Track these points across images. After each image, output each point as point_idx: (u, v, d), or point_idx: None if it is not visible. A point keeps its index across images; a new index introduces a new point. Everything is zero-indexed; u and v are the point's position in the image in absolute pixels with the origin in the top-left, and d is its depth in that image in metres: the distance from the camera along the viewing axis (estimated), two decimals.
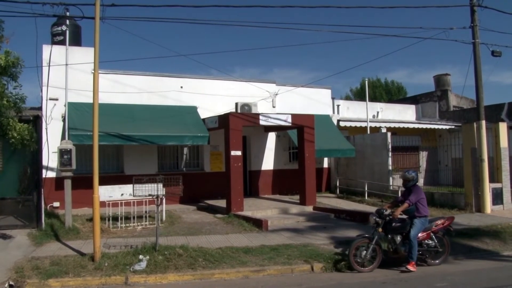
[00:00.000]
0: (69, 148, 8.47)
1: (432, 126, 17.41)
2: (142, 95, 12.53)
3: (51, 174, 11.27)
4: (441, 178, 15.38)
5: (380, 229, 6.44)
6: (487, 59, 41.76)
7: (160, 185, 7.11)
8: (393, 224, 6.54)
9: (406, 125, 16.82)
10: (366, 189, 13.57)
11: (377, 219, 6.52)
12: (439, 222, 6.81)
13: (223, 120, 11.25)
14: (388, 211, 6.60)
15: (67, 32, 11.32)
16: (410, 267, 6.34)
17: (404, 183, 6.78)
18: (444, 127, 17.51)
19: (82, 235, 8.20)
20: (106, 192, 8.90)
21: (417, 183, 6.75)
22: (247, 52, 59.85)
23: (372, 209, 11.46)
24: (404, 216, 6.68)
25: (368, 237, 6.47)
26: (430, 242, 6.73)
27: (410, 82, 53.83)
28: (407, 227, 6.54)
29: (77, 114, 11.11)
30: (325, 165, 15.94)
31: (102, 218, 8.43)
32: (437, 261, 6.77)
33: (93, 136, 6.58)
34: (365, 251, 6.36)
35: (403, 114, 18.91)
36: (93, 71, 6.77)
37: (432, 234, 6.73)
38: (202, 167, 13.48)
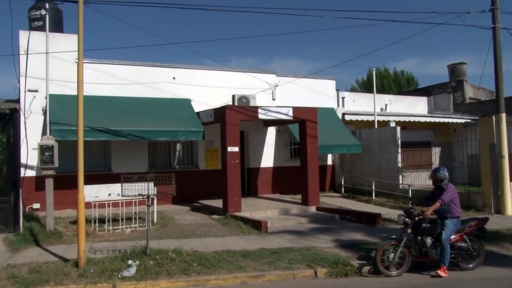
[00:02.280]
0: (51, 144, 8.39)
1: (446, 120, 17.38)
2: (131, 86, 12.47)
3: (31, 173, 11.20)
4: (456, 177, 15.32)
5: (409, 230, 6.39)
6: (509, 45, 41.59)
7: (151, 184, 7.08)
8: (423, 224, 6.48)
9: (417, 119, 16.79)
10: (373, 188, 13.58)
11: (405, 219, 6.47)
12: (472, 223, 6.74)
13: (219, 113, 11.22)
14: (418, 211, 6.54)
15: (47, 16, 11.15)
16: (441, 273, 6.28)
17: (435, 183, 6.70)
18: (459, 120, 17.48)
19: (65, 239, 8.14)
20: (92, 192, 8.85)
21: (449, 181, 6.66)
22: (244, 40, 59.67)
23: (380, 209, 11.59)
24: (434, 216, 6.62)
25: (396, 239, 6.43)
26: (463, 244, 6.67)
27: (421, 72, 53.71)
28: (438, 228, 6.48)
29: (59, 107, 11.03)
30: (329, 162, 15.96)
31: (88, 220, 8.40)
32: (470, 265, 6.68)
33: (78, 131, 6.53)
34: (392, 254, 6.32)
35: (414, 107, 18.89)
36: (77, 60, 6.70)
37: (465, 236, 6.67)
38: (197, 164, 13.47)
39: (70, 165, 11.18)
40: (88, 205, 7.89)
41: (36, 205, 11.07)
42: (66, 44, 11.46)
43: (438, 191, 6.63)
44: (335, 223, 10.16)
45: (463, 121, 17.47)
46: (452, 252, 6.49)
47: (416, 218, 6.47)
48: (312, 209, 11.57)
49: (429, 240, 6.49)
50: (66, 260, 6.64)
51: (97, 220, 8.97)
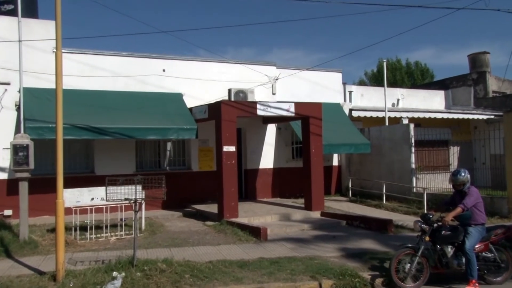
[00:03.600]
0: (26, 144, 8.33)
1: (466, 116, 17.38)
2: (116, 79, 12.44)
3: (2, 176, 11.18)
4: (477, 179, 15.26)
5: (427, 238, 6.33)
6: None
7: (139, 188, 7.07)
8: (443, 232, 6.41)
9: (433, 115, 16.80)
10: (384, 191, 13.61)
11: (423, 225, 6.41)
12: (499, 231, 6.63)
13: (214, 109, 11.22)
14: (436, 216, 6.49)
15: None
16: None
17: (455, 187, 6.62)
18: (480, 117, 17.46)
19: (41, 250, 8.07)
20: (72, 197, 8.80)
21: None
22: (242, 28, 59.66)
23: (392, 215, 11.60)
24: (455, 223, 6.56)
25: (412, 248, 6.36)
26: (489, 255, 6.56)
27: (438, 63, 53.64)
28: (460, 237, 6.40)
29: (35, 102, 10.98)
30: (335, 162, 15.99)
31: (68, 228, 8.33)
32: (498, 279, 6.57)
33: (56, 129, 6.48)
34: (409, 265, 6.25)
35: (429, 102, 18.91)
36: (55, 50, 6.66)
37: (490, 245, 6.57)
38: (189, 165, 13.48)
39: (48, 166, 11.14)
40: (68, 211, 7.81)
41: (8, 212, 11.00)
42: (42, 31, 11.39)
43: (459, 195, 6.56)
44: (341, 230, 10.17)
45: (485, 117, 17.46)
46: (476, 263, 6.38)
47: (435, 225, 6.40)
48: (316, 214, 11.59)
49: (450, 250, 6.40)
50: (42, 273, 6.56)
51: (78, 228, 8.91)
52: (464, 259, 6.30)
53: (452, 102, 19.45)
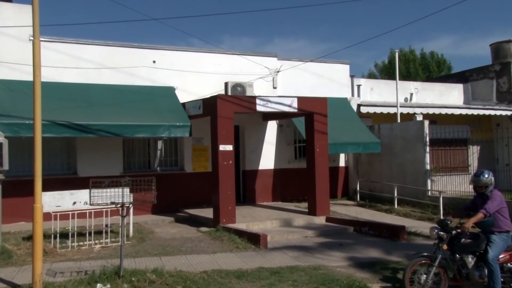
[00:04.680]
0: None
1: (487, 112, 17.36)
2: (101, 72, 12.41)
3: None
4: (500, 182, 15.08)
5: (444, 246, 6.28)
6: None
7: (127, 190, 7.05)
8: (462, 240, 6.34)
9: (450, 111, 16.79)
10: (395, 195, 13.61)
11: (440, 232, 6.36)
12: None
13: (209, 105, 11.22)
14: (455, 223, 6.45)
15: None
16: None
17: (476, 189, 6.57)
18: (504, 113, 17.45)
19: (16, 260, 8.01)
20: (52, 201, 8.78)
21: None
22: (240, 16, 59.60)
23: (404, 221, 11.62)
24: (477, 230, 6.50)
25: (428, 257, 6.30)
26: None
27: (456, 54, 53.39)
28: (481, 245, 6.33)
29: (10, 95, 10.96)
30: (342, 163, 16.00)
31: (46, 235, 8.29)
32: None
33: (34, 126, 6.45)
34: (425, 275, 6.19)
35: (446, 97, 18.90)
36: (32, 38, 6.59)
37: None
38: (182, 166, 13.49)
39: (24, 167, 11.12)
40: (47, 216, 7.79)
41: None
42: (17, 16, 11.32)
43: (480, 200, 6.51)
44: (348, 237, 10.18)
45: (509, 113, 17.43)
46: (500, 275, 6.29)
47: (453, 232, 6.34)
48: (321, 220, 11.61)
49: (470, 259, 6.35)
50: (16, 286, 6.53)
51: (58, 235, 8.86)
52: (486, 271, 6.23)
53: (471, 96, 19.40)
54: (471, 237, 6.37)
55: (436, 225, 6.52)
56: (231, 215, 10.70)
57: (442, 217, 7.28)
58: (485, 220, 6.24)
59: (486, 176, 6.39)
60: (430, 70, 35.84)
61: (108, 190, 6.99)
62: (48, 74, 10.65)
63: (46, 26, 10.75)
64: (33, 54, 6.45)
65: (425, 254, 6.37)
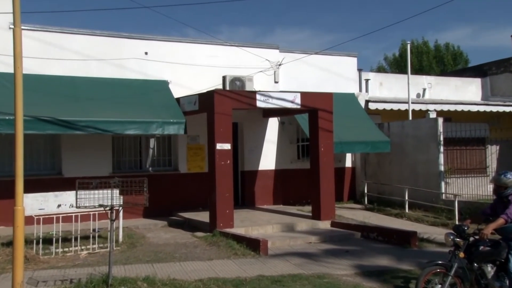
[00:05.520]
0: None
1: (508, 109, 17.35)
2: (89, 63, 12.40)
3: None
4: None
5: (461, 254, 6.24)
6: None
7: (116, 192, 7.07)
8: (481, 247, 6.33)
9: (466, 108, 16.79)
10: (406, 198, 13.61)
11: (456, 239, 6.34)
12: None
13: (206, 100, 11.23)
14: (473, 229, 6.42)
15: None
16: None
17: (496, 190, 6.53)
18: None
19: None
20: (35, 203, 8.75)
21: None
22: (239, 4, 59.57)
23: (416, 226, 11.62)
24: (497, 237, 6.47)
25: (443, 265, 6.28)
26: None
27: (473, 46, 53.45)
28: (502, 253, 6.29)
29: None
30: (348, 164, 16.02)
31: (28, 241, 8.27)
32: None
33: (15, 122, 6.43)
34: (439, 286, 6.17)
35: (462, 92, 18.89)
36: (12, 26, 6.57)
37: None
38: (176, 166, 13.50)
39: (4, 167, 11.14)
40: (29, 220, 7.78)
41: None
42: None
43: (501, 204, 6.47)
44: (355, 243, 10.20)
45: None
46: None
47: (471, 239, 6.32)
48: (326, 224, 11.63)
49: (490, 269, 6.33)
50: None
51: (41, 241, 8.83)
52: (508, 281, 6.22)
53: (490, 92, 19.36)
54: (490, 244, 6.35)
55: (452, 231, 6.49)
56: (229, 219, 10.71)
57: (457, 223, 7.26)
58: (506, 226, 6.20)
59: (509, 177, 6.36)
60: (445, 63, 35.85)
61: (96, 191, 7.00)
62: (30, 66, 10.61)
63: (28, 13, 10.71)
64: (14, 43, 6.42)
65: (440, 262, 6.35)
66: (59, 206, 8.95)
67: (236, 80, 12.57)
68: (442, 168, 13.84)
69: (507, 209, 6.24)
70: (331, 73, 15.39)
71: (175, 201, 12.98)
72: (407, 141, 14.77)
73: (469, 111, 16.82)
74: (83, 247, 9.07)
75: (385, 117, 16.31)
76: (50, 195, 8.97)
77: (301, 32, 57.24)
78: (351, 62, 16.02)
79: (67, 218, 9.04)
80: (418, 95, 17.75)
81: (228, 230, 10.39)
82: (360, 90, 16.27)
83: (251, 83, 12.79)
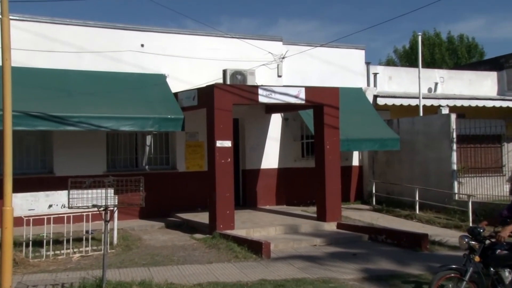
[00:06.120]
0: None
1: None
2: (82, 56, 12.41)
3: None
4: None
5: (476, 258, 6.22)
6: None
7: (111, 192, 7.06)
8: (498, 251, 6.28)
9: (481, 103, 16.79)
10: (416, 198, 13.60)
11: (471, 242, 6.30)
12: None
13: (205, 95, 11.24)
14: (489, 231, 6.38)
15: None
16: None
17: None
18: None
19: None
20: (24, 203, 8.74)
21: None
22: None
23: (427, 228, 11.63)
24: None
25: (457, 270, 6.24)
26: None
27: (489, 38, 53.20)
28: None
29: None
30: (355, 162, 16.04)
31: (17, 243, 8.28)
32: None
33: (4, 118, 6.44)
34: None
35: (477, 87, 18.85)
36: (0, 16, 6.57)
37: None
38: (174, 164, 13.53)
39: None
40: (18, 221, 7.80)
41: None
42: None
43: None
44: (363, 246, 10.21)
45: None
46: None
47: (487, 242, 6.30)
48: (331, 226, 11.65)
49: (507, 274, 6.28)
50: None
51: (31, 243, 8.85)
52: None
53: (507, 86, 19.27)
54: (508, 248, 6.31)
55: (467, 234, 6.47)
56: (229, 220, 10.72)
57: (471, 225, 7.26)
58: None
59: None
60: (459, 56, 35.74)
61: (90, 191, 6.99)
62: (20, 58, 10.58)
63: (16, 1, 10.66)
64: (2, 34, 6.44)
65: (454, 266, 6.32)
66: (50, 206, 8.93)
67: (237, 74, 12.56)
68: (455, 167, 13.82)
69: None
70: (337, 66, 15.38)
71: (173, 201, 13.00)
72: (417, 139, 14.75)
73: (484, 107, 16.79)
74: (75, 250, 9.09)
75: (394, 113, 16.29)
76: (41, 195, 8.95)
77: (306, 24, 57.21)
78: (358, 55, 16.02)
79: (58, 219, 9.04)
80: (429, 90, 17.71)
81: (228, 231, 10.40)
82: (368, 84, 16.26)
83: (253, 77, 12.77)
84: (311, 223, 11.66)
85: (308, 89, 11.78)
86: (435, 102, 16.36)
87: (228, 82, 12.39)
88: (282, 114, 14.66)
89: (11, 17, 6.64)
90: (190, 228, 11.64)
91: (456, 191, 13.65)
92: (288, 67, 14.59)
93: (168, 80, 12.99)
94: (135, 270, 7.97)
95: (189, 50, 13.45)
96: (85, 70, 12.32)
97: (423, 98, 15.98)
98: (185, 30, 14.01)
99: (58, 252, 8.97)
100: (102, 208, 6.86)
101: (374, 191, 14.99)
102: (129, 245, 9.75)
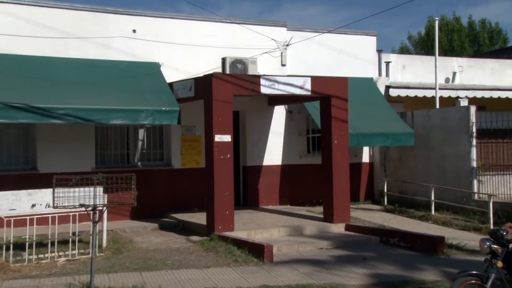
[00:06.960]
0: None
1: None
2: (68, 42, 12.40)
3: None
4: None
5: (499, 263, 6.18)
6: None
7: (100, 190, 7.06)
8: None
9: (504, 94, 16.77)
10: (432, 198, 13.61)
11: (493, 246, 6.27)
12: None
13: (203, 85, 11.25)
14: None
15: None
16: None
17: None
18: None
19: None
20: (5, 202, 8.71)
21: None
22: None
23: (444, 230, 11.66)
24: None
25: (478, 276, 6.23)
26: None
27: None
28: None
29: None
30: (365, 159, 16.10)
31: None
32: None
33: None
34: None
35: (500, 76, 18.79)
36: None
37: None
38: (169, 161, 13.57)
39: None
40: None
41: None
42: None
43: None
44: (373, 249, 10.22)
45: None
46: None
47: (511, 245, 6.25)
48: (339, 228, 11.67)
49: None
50: None
51: (12, 246, 8.87)
52: None
53: None
54: None
55: (488, 237, 6.46)
56: (229, 221, 10.74)
57: (493, 227, 7.22)
58: None
59: None
60: (480, 43, 35.62)
61: (77, 189, 6.98)
62: (0, 45, 10.55)
63: None
64: None
65: (474, 272, 6.29)
66: (33, 206, 8.90)
67: (238, 62, 12.56)
68: (474, 164, 13.82)
69: None
70: (346, 54, 15.36)
71: (168, 200, 13.03)
72: (433, 133, 14.75)
73: (507, 98, 16.77)
74: (61, 253, 9.07)
75: (408, 105, 16.32)
76: (23, 193, 8.93)
77: (313, 7, 57.07)
78: (369, 42, 16.02)
79: (42, 220, 9.01)
80: (447, 80, 17.70)
81: (227, 233, 10.42)
82: (380, 74, 16.28)
83: (254, 66, 12.77)
84: (317, 225, 11.68)
85: (314, 79, 11.77)
86: (453, 93, 16.35)
87: (227, 71, 12.39)
88: (286, 106, 14.68)
89: None
90: (186, 229, 11.66)
91: (475, 190, 13.65)
92: (292, 55, 14.61)
93: (162, 69, 12.97)
94: (126, 275, 7.97)
95: (186, 36, 13.45)
96: (72, 58, 12.29)
97: (439, 89, 15.99)
98: (181, 15, 14.05)
99: (41, 255, 8.95)
100: (90, 208, 6.86)
101: (385, 190, 15.05)
102: (120, 248, 9.77)
